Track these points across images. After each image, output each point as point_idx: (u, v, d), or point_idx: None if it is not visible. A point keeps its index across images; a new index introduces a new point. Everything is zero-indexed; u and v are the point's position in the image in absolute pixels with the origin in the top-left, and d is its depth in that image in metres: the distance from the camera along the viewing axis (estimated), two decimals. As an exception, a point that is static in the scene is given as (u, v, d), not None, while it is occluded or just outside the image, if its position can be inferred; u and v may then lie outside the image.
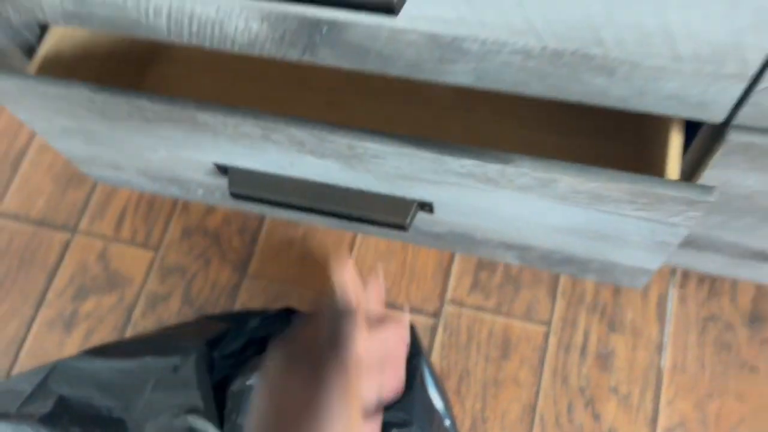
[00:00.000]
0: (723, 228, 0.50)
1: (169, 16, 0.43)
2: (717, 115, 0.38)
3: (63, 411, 0.49)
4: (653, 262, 0.48)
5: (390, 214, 0.48)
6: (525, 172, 0.40)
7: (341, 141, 0.42)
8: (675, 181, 0.39)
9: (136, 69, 0.62)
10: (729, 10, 0.30)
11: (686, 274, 0.68)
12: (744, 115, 0.38)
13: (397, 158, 0.42)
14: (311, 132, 0.42)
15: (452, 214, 0.50)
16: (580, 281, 0.69)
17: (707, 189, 0.38)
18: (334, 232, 0.74)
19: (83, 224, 0.79)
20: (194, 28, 0.43)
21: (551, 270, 0.56)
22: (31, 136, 0.84)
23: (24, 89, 0.49)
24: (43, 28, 0.56)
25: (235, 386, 0.47)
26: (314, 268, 0.73)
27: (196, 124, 0.46)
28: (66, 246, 0.78)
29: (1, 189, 0.81)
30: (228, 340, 0.54)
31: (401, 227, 0.48)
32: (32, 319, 0.75)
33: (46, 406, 0.50)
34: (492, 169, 0.41)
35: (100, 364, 0.52)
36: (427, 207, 0.49)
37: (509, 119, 0.55)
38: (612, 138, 0.52)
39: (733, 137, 0.40)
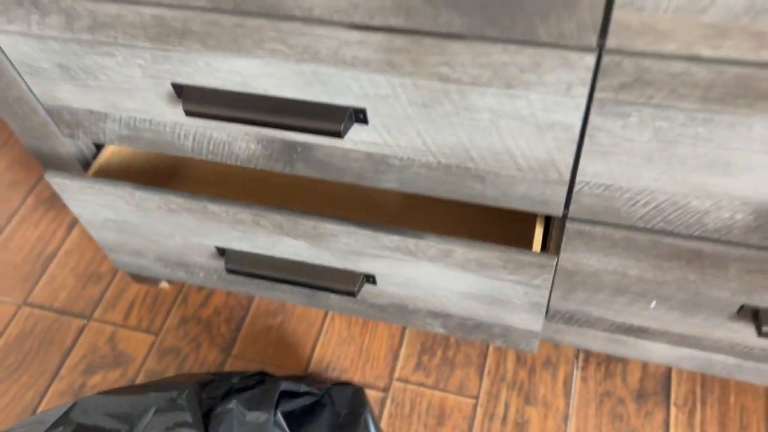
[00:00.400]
0: (589, 303, 0.68)
1: (194, 138, 0.63)
2: (557, 210, 0.57)
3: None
4: (535, 323, 0.65)
5: (344, 283, 0.66)
6: (431, 244, 0.59)
7: (308, 223, 0.61)
8: (530, 251, 0.57)
9: (159, 184, 0.82)
10: (539, 137, 0.51)
11: (587, 359, 0.84)
12: (574, 210, 0.57)
13: (347, 236, 0.61)
14: (288, 217, 0.61)
15: (390, 285, 0.67)
16: (502, 363, 0.85)
17: (551, 256, 0.57)
18: (306, 320, 0.91)
19: (97, 313, 0.95)
20: (211, 148, 0.63)
21: (468, 337, 0.73)
22: (61, 242, 1.02)
23: (83, 188, 0.68)
24: (98, 147, 0.76)
25: (217, 411, 0.62)
26: (287, 350, 0.89)
27: (206, 213, 0.65)
28: (81, 331, 0.93)
29: (32, 283, 0.98)
30: (214, 385, 0.69)
31: (351, 294, 0.66)
32: (46, 389, 0.88)
33: (67, 430, 0.64)
34: (410, 242, 0.59)
35: (112, 400, 0.66)
36: (371, 279, 0.66)
37: (435, 223, 0.75)
38: (509, 230, 0.71)
39: (570, 226, 0.59)
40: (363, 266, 0.65)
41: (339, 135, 0.53)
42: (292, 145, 0.59)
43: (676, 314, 0.65)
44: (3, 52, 0.60)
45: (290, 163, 0.62)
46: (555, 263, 0.57)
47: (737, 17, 0.38)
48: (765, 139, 0.45)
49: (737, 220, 0.52)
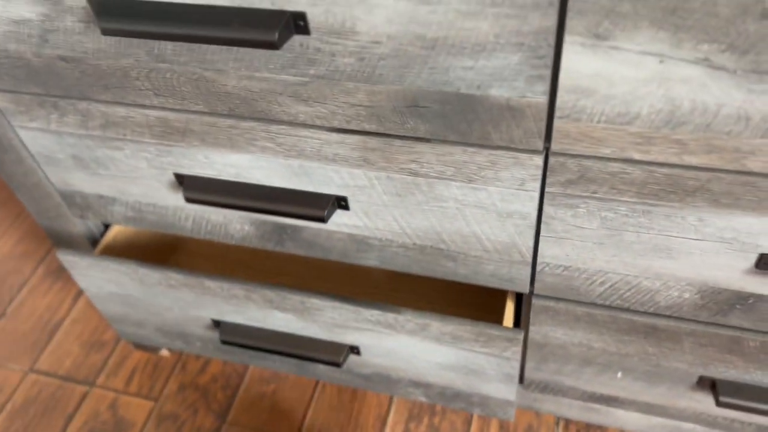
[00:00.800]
0: (560, 374, 0.72)
1: (193, 221, 0.69)
2: (523, 288, 0.62)
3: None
4: (509, 392, 0.69)
5: (330, 354, 0.70)
6: (409, 318, 0.64)
7: (296, 298, 0.66)
8: (499, 326, 0.62)
9: (161, 258, 0.88)
10: (501, 224, 0.56)
11: (566, 426, 0.88)
12: (538, 288, 0.62)
13: (332, 310, 0.66)
14: (277, 292, 0.67)
15: (373, 356, 0.72)
16: (485, 430, 0.88)
17: (518, 331, 0.62)
18: (298, 388, 0.95)
19: (100, 380, 0.99)
20: (208, 228, 0.69)
21: (449, 406, 0.76)
22: (68, 311, 1.08)
23: (91, 265, 0.74)
24: (106, 225, 0.82)
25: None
26: (279, 417, 0.92)
27: (203, 288, 0.70)
28: (84, 397, 0.97)
29: (38, 351, 1.03)
30: (208, 452, 0.73)
31: (337, 364, 0.70)
32: (48, 455, 0.92)
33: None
34: (390, 317, 0.64)
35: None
36: (355, 350, 0.71)
37: (418, 297, 0.80)
38: (489, 301, 0.76)
39: (536, 302, 0.64)
40: (348, 338, 0.70)
41: (323, 220, 0.58)
42: (282, 227, 0.65)
43: (642, 384, 0.69)
44: (24, 144, 0.67)
45: (280, 243, 0.67)
46: (522, 337, 0.62)
47: (659, 128, 0.44)
48: (698, 228, 0.51)
49: (685, 298, 0.57)
